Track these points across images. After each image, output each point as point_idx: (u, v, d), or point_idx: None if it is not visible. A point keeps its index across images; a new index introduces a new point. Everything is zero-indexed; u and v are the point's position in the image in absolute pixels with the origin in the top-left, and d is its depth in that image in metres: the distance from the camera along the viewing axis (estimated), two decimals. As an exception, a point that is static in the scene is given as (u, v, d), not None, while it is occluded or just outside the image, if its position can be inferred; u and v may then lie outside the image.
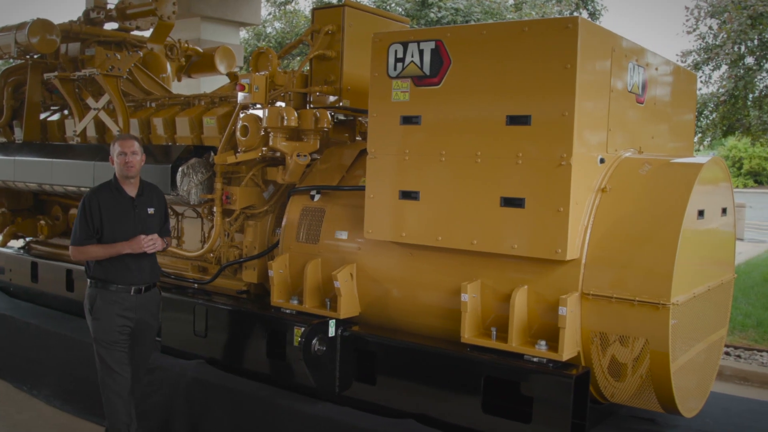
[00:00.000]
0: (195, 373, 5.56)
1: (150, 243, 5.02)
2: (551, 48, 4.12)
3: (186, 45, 8.50)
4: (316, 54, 5.75)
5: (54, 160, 7.15)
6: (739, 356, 9.34)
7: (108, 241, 5.00)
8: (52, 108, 8.38)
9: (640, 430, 4.75)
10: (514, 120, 4.24)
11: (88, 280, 5.12)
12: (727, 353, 9.29)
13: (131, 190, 5.12)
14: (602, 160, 4.42)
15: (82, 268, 6.92)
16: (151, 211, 5.18)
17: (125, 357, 5.07)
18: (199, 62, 8.66)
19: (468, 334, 4.46)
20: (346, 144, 6.05)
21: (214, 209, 5.95)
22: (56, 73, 7.27)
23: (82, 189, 6.88)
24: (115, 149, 5.06)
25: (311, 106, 5.84)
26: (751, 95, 14.87)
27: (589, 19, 4.57)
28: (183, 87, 8.81)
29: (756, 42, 13.84)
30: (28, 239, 8.53)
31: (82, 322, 7.16)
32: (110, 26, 7.94)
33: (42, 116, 8.25)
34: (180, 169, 5.84)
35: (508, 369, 4.30)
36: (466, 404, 4.46)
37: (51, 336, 6.98)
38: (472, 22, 18.03)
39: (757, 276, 14.46)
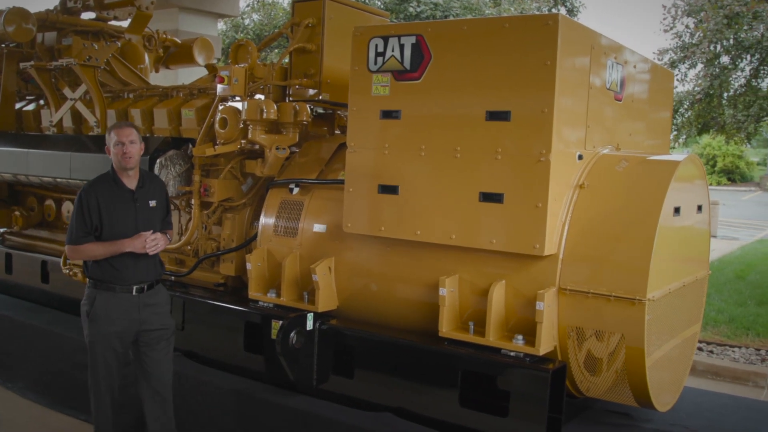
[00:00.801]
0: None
1: (153, 244, 4.70)
2: (531, 44, 4.14)
3: (164, 36, 8.45)
4: (296, 47, 5.74)
5: (29, 150, 7.08)
6: (711, 352, 9.46)
7: (108, 238, 4.67)
8: (27, 98, 8.30)
9: (614, 424, 4.80)
10: (494, 115, 4.26)
11: (87, 281, 4.81)
12: (700, 349, 9.40)
13: (131, 183, 4.80)
14: (580, 157, 4.45)
15: (58, 259, 6.90)
16: (152, 203, 4.88)
17: (120, 365, 4.77)
18: (177, 53, 8.61)
19: (446, 328, 4.48)
20: (325, 137, 6.05)
21: (192, 201, 5.93)
22: (32, 63, 7.20)
23: (58, 180, 6.82)
24: (111, 139, 4.73)
25: (290, 99, 5.83)
26: (725, 94, 15.02)
27: (567, 16, 4.60)
28: (160, 78, 8.76)
29: (731, 41, 13.98)
30: (2, 230, 8.44)
31: (57, 314, 7.14)
32: (87, 16, 7.87)
33: (17, 106, 8.16)
34: (158, 160, 5.81)
35: (486, 363, 4.33)
36: (443, 398, 4.49)
37: (26, 328, 6.93)
38: (451, 17, 18.06)
39: (730, 273, 14.63)
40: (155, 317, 4.82)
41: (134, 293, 4.74)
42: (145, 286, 4.80)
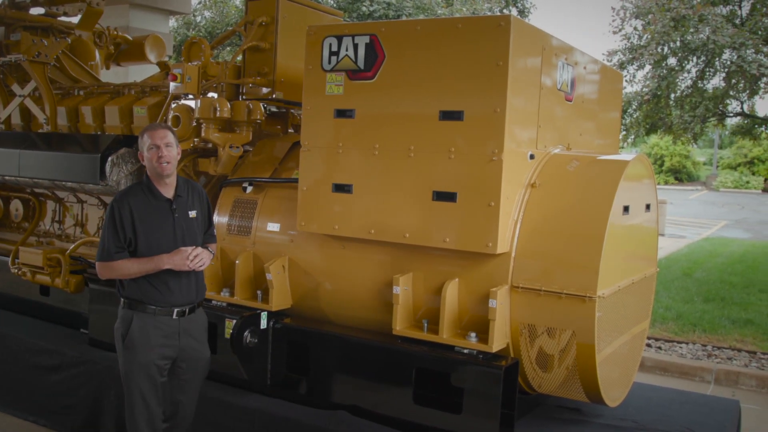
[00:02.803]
0: (123, 366, 5.47)
1: (197, 260, 4.25)
2: (484, 45, 4.18)
3: (115, 32, 8.33)
4: (249, 45, 5.71)
5: (-25, 147, 6.94)
6: (659, 348, 9.64)
7: (144, 253, 4.20)
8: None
9: (566, 420, 4.88)
10: (447, 115, 4.29)
11: (121, 301, 4.35)
12: (649, 345, 9.58)
13: (167, 191, 4.33)
14: (532, 156, 4.51)
15: (6, 258, 6.77)
16: (192, 214, 4.41)
17: (160, 392, 4.32)
18: (128, 50, 8.49)
19: (400, 326, 4.50)
20: (278, 136, 6.04)
21: (144, 200, 5.85)
22: (-21, 59, 7.06)
23: (7, 178, 6.70)
24: (144, 142, 4.26)
25: (244, 97, 5.81)
26: (673, 95, 15.28)
27: (519, 17, 4.66)
28: (111, 75, 8.64)
29: (678, 43, 14.21)
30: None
31: (6, 314, 7.00)
32: (36, 11, 7.74)
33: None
34: (109, 159, 5.73)
35: (439, 360, 4.36)
36: (397, 395, 4.51)
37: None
38: (404, 17, 18.10)
39: (677, 270, 14.92)
40: (195, 343, 4.42)
41: (175, 316, 4.30)
42: (187, 309, 4.36)
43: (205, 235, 4.56)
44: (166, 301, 4.26)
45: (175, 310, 4.29)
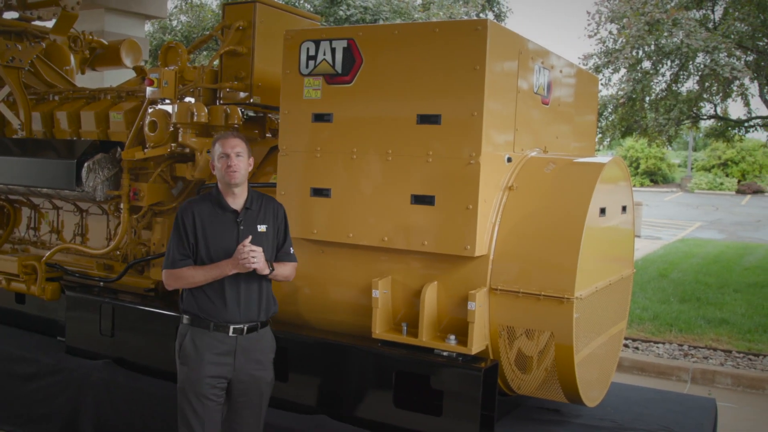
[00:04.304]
0: (102, 373, 5.44)
1: (252, 254, 3.93)
2: (461, 49, 4.20)
3: (90, 37, 8.27)
4: (226, 50, 5.69)
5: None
6: (637, 348, 9.72)
7: (204, 263, 4.04)
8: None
9: (545, 420, 4.90)
10: (425, 119, 4.31)
11: (182, 317, 4.18)
12: (626, 345, 9.65)
13: (235, 202, 4.12)
14: (509, 159, 4.53)
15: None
16: (262, 228, 4.13)
17: (216, 414, 4.07)
18: (103, 55, 8.41)
19: (379, 329, 4.51)
20: (256, 141, 6.02)
21: (121, 206, 5.83)
22: (-48, 63, 6.98)
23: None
24: (215, 151, 4.09)
25: (221, 102, 5.79)
26: (647, 98, 15.42)
27: (496, 21, 4.68)
28: (87, 80, 8.57)
29: (653, 47, 14.35)
30: None
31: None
32: (10, 15, 7.66)
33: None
34: (85, 164, 5.70)
35: (419, 363, 4.38)
36: (377, 399, 4.52)
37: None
38: (381, 21, 18.11)
39: (653, 271, 15.05)
40: (254, 366, 4.13)
41: (231, 333, 4.04)
42: (246, 327, 4.08)
43: (279, 252, 4.27)
44: (222, 316, 4.03)
45: (232, 327, 4.04)
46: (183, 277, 4.04)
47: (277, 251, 4.26)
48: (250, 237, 4.01)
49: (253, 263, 3.95)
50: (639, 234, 20.96)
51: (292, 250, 4.34)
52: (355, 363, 4.62)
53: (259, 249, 3.99)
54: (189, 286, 4.06)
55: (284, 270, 4.25)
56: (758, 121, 16.53)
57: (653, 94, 15.56)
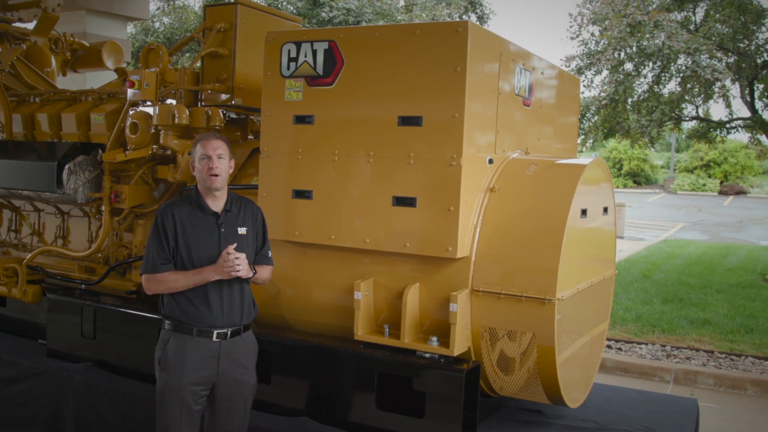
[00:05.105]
0: (84, 376, 5.40)
1: (237, 263, 3.91)
2: (442, 51, 4.20)
3: (71, 38, 8.23)
4: (207, 51, 5.68)
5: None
6: (620, 349, 9.76)
7: (185, 267, 3.98)
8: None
9: (528, 421, 4.91)
10: (406, 121, 4.31)
11: (163, 322, 4.11)
12: (608, 346, 9.70)
13: (216, 205, 4.08)
14: (491, 161, 4.54)
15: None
16: (242, 231, 4.10)
17: (196, 421, 4.03)
18: (85, 57, 8.37)
19: (361, 331, 4.50)
20: (238, 143, 6.00)
21: (102, 208, 5.80)
22: (-68, 65, 6.92)
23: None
24: (196, 152, 4.04)
25: (203, 104, 5.77)
26: (630, 99, 15.51)
27: (478, 23, 4.69)
28: (68, 82, 8.53)
29: (634, 49, 14.44)
30: None
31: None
32: (-10, 18, 7.61)
33: None
34: (66, 166, 5.67)
35: (401, 365, 4.38)
36: (360, 401, 4.52)
37: None
38: (364, 23, 18.12)
39: (636, 272, 15.12)
40: (237, 370, 4.10)
41: (215, 338, 4.00)
42: (229, 332, 4.05)
43: (258, 255, 4.24)
44: (206, 321, 3.98)
45: (215, 332, 4.00)
46: (164, 281, 3.98)
47: (256, 254, 4.24)
48: (235, 244, 4.00)
49: (237, 271, 3.94)
50: (622, 235, 21.06)
51: (270, 254, 4.33)
52: (338, 365, 4.61)
53: (243, 255, 3.97)
54: (170, 291, 4.00)
55: (264, 273, 4.25)
56: (740, 122, 16.67)
57: (635, 96, 15.66)
